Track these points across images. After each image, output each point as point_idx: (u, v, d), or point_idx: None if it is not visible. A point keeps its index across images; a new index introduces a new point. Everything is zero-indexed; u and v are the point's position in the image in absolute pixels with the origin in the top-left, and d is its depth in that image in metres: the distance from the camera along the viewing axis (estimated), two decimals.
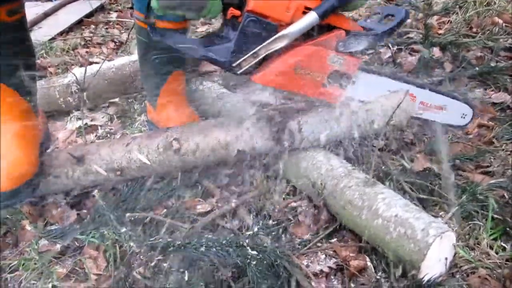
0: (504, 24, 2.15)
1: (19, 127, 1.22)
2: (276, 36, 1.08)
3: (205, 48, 1.12)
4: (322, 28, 1.12)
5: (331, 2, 1.07)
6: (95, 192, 1.23)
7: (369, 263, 1.14)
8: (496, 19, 2.20)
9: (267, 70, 1.12)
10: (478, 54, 1.99)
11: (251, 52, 1.09)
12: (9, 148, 1.19)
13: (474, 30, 2.17)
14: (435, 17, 2.29)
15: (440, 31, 2.22)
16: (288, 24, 1.08)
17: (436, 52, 1.98)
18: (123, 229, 1.15)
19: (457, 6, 2.31)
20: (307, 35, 1.11)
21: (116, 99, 1.92)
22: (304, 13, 1.08)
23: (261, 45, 1.09)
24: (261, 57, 1.10)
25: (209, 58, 1.12)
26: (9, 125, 1.21)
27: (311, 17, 1.07)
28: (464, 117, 1.42)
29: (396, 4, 2.45)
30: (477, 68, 1.88)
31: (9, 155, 1.19)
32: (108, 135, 1.74)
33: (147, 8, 1.11)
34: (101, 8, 3.21)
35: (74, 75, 1.67)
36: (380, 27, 1.17)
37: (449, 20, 2.31)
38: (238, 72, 1.12)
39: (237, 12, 1.09)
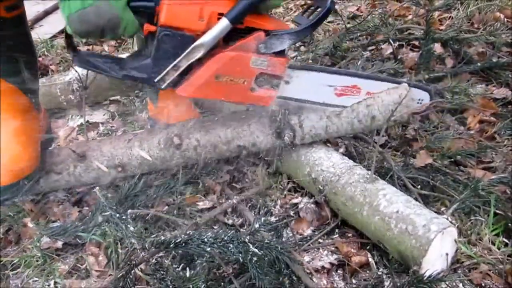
0: (506, 20, 2.13)
1: (19, 123, 1.22)
2: (192, 46, 1.06)
3: (126, 68, 1.11)
4: (243, 31, 1.10)
5: (240, 6, 1.04)
6: (97, 189, 1.23)
7: (370, 259, 1.14)
8: (498, 14, 2.18)
9: (189, 82, 1.11)
10: (479, 50, 1.98)
11: (171, 65, 1.08)
12: (9, 143, 1.20)
13: (476, 25, 2.16)
14: (437, 13, 2.28)
15: (442, 27, 2.21)
16: (204, 33, 1.06)
17: (438, 48, 1.97)
18: (125, 226, 1.14)
19: (459, 1, 2.30)
20: (229, 40, 1.10)
21: (117, 97, 1.92)
22: (219, 19, 1.06)
23: (180, 57, 1.07)
24: (182, 69, 1.09)
25: (131, 77, 1.11)
26: (9, 120, 1.21)
27: (223, 24, 1.05)
28: (420, 102, 1.38)
29: None
30: (478, 64, 1.87)
31: (9, 150, 1.19)
32: (110, 133, 1.74)
33: (65, 35, 1.09)
34: None
35: (77, 72, 1.67)
36: (307, 21, 1.13)
37: (450, 16, 2.30)
38: (162, 87, 1.11)
39: (153, 28, 1.07)
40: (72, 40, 1.11)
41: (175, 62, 1.08)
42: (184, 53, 1.07)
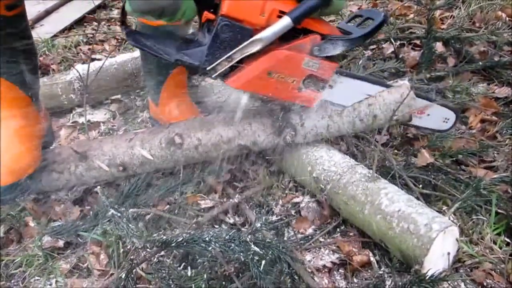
0: (507, 19, 2.13)
1: (19, 122, 1.22)
2: (250, 40, 1.07)
3: (179, 52, 1.11)
4: (298, 31, 1.11)
5: (305, 7, 1.05)
6: (98, 188, 1.23)
7: (372, 258, 1.13)
8: (499, 13, 2.18)
9: (241, 74, 1.12)
10: (481, 49, 1.98)
11: (226, 56, 1.09)
12: (10, 142, 1.20)
13: (477, 24, 2.16)
14: (438, 12, 2.28)
15: (443, 26, 2.21)
16: (263, 28, 1.07)
17: (439, 47, 1.97)
18: (126, 225, 1.14)
19: (460, 0, 2.30)
20: (283, 39, 1.10)
21: (118, 96, 1.93)
22: (279, 17, 1.07)
23: (235, 49, 1.08)
24: (235, 61, 1.10)
25: (183, 61, 1.11)
26: (9, 119, 1.21)
27: (285, 22, 1.05)
28: (446, 121, 1.42)
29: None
30: (480, 63, 1.87)
31: (9, 149, 1.19)
32: (111, 132, 1.74)
33: (122, 11, 1.10)
34: (103, 6, 3.20)
35: (77, 71, 1.67)
36: (358, 30, 1.15)
37: (452, 15, 2.29)
38: (213, 76, 1.12)
39: (212, 16, 1.08)
40: (126, 17, 1.12)
41: (230, 53, 1.08)
42: (241, 46, 1.07)
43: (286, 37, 1.10)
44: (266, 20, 1.06)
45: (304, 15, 1.06)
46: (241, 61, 1.11)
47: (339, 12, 1.15)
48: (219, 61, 1.09)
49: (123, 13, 1.12)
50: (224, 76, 1.13)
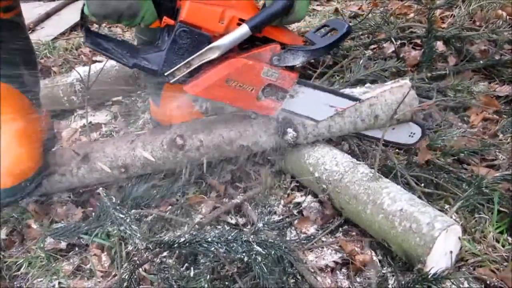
0: (508, 17, 2.13)
1: (19, 124, 1.23)
2: (208, 47, 1.06)
3: (138, 57, 1.11)
4: (260, 40, 1.10)
5: (264, 15, 1.04)
6: (100, 189, 1.23)
7: (374, 258, 1.13)
8: (500, 12, 2.18)
9: (199, 81, 1.11)
10: (482, 48, 1.98)
11: (184, 62, 1.08)
12: (10, 144, 1.20)
13: (478, 23, 2.16)
14: (438, 11, 2.28)
15: (444, 25, 2.20)
16: (222, 35, 1.06)
17: (440, 46, 1.97)
18: (128, 226, 1.15)
19: None
20: (244, 47, 1.10)
21: (120, 97, 1.93)
22: (239, 25, 1.06)
23: (193, 56, 1.08)
24: (194, 67, 1.09)
25: (141, 66, 1.10)
26: (9, 122, 1.21)
27: (243, 30, 1.05)
28: (412, 136, 1.41)
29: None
30: (481, 62, 1.87)
31: (9, 152, 1.19)
32: (112, 133, 1.75)
33: (81, 14, 1.08)
34: None
35: (79, 73, 1.67)
36: (321, 41, 1.13)
37: (452, 14, 2.30)
38: (171, 81, 1.12)
39: (171, 22, 1.07)
40: (87, 20, 1.10)
41: (188, 59, 1.08)
42: (199, 52, 1.07)
43: (247, 46, 1.10)
44: (225, 27, 1.06)
45: (263, 24, 1.05)
46: (200, 68, 1.10)
47: (300, 20, 1.13)
48: (177, 66, 1.09)
49: (82, 16, 1.09)
50: (183, 81, 1.12)
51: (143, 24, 1.05)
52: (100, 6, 1.00)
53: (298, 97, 1.25)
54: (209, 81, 1.11)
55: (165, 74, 1.10)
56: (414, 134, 1.39)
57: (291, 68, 1.14)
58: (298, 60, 1.11)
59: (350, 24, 1.12)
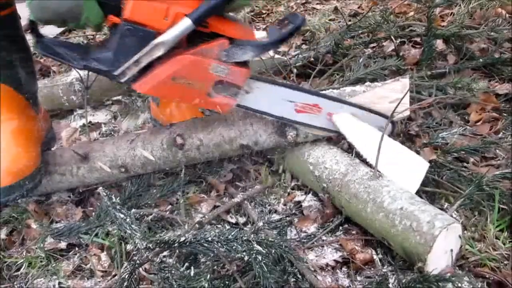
0: (507, 15, 2.13)
1: (16, 123, 1.23)
2: (152, 44, 1.04)
3: (88, 58, 1.09)
4: (209, 35, 1.08)
5: (205, 6, 1.01)
6: (100, 189, 1.23)
7: (375, 256, 1.13)
8: (499, 10, 2.18)
9: (146, 79, 1.09)
10: (481, 46, 1.98)
11: (132, 60, 1.06)
12: (7, 143, 1.20)
13: (477, 21, 2.16)
14: (438, 9, 2.28)
15: (443, 23, 2.20)
16: None
17: (440, 44, 1.97)
18: (128, 226, 1.14)
19: None
20: (192, 43, 1.08)
21: (119, 97, 1.93)
22: None
23: (140, 54, 1.05)
24: (143, 65, 1.07)
25: (91, 68, 1.09)
26: (5, 121, 1.21)
27: (185, 24, 1.02)
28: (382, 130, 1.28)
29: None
30: (481, 60, 1.86)
31: (7, 151, 1.19)
32: (112, 133, 1.74)
33: (29, 18, 1.07)
34: None
35: (78, 73, 1.67)
36: (273, 35, 1.10)
37: (452, 12, 2.29)
38: (122, 80, 1.09)
39: (117, 20, 1.04)
40: (36, 25, 1.08)
41: (135, 58, 1.06)
42: (145, 50, 1.05)
43: (196, 42, 1.08)
44: (170, 24, 1.03)
45: (205, 15, 1.02)
46: (150, 65, 1.08)
47: (247, 5, 1.09)
48: (126, 65, 1.07)
49: (31, 20, 1.07)
50: (133, 80, 1.10)
51: (90, 25, 1.03)
52: (41, 10, 0.99)
53: (254, 93, 1.22)
54: (156, 78, 1.08)
55: (115, 74, 1.08)
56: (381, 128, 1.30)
57: (243, 64, 1.12)
58: (247, 55, 1.08)
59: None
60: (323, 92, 1.36)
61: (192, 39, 1.07)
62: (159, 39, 1.03)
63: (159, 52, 1.05)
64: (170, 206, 1.34)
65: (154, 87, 1.10)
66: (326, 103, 1.27)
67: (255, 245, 1.02)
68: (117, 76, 1.08)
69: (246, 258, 1.02)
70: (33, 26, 1.08)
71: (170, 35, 1.03)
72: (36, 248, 1.23)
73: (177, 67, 1.07)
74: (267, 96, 1.23)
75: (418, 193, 1.19)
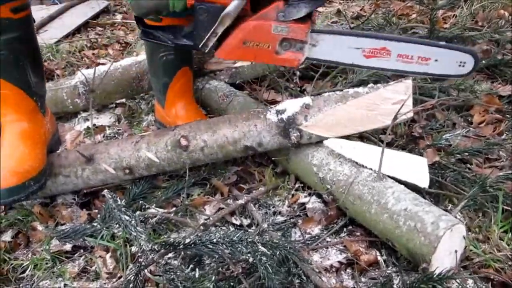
0: (510, 17, 2.14)
1: (24, 125, 1.23)
2: (221, 17, 1.16)
3: (178, 37, 1.28)
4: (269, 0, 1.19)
5: None
6: (105, 191, 1.23)
7: (379, 257, 1.14)
8: (502, 12, 2.19)
9: (223, 46, 1.23)
10: (484, 48, 1.98)
11: (209, 33, 1.20)
12: (14, 145, 1.21)
13: (480, 23, 2.16)
14: (440, 11, 2.28)
15: (446, 25, 2.21)
16: None
17: None
18: (133, 228, 1.15)
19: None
20: (256, 10, 1.20)
21: (123, 100, 1.93)
22: None
23: (214, 26, 1.18)
24: (219, 35, 1.20)
25: (181, 44, 1.28)
26: (14, 122, 1.22)
27: None
28: (463, 65, 1.28)
29: None
30: (483, 62, 1.87)
31: (13, 152, 1.20)
32: (116, 136, 1.75)
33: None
34: (106, 11, 3.22)
35: (83, 75, 1.68)
36: None
37: (454, 14, 2.30)
38: (206, 51, 1.24)
39: (192, 1, 1.18)
40: (141, 18, 1.28)
41: (211, 30, 1.19)
42: (217, 22, 1.17)
43: (260, 7, 1.19)
44: None
45: None
46: (226, 34, 1.21)
47: None
48: (206, 38, 1.21)
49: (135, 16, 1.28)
50: (215, 49, 1.25)
51: (177, 10, 1.18)
52: (138, 7, 1.22)
53: (320, 45, 1.28)
54: (230, 45, 1.22)
55: (200, 46, 1.23)
56: (464, 63, 1.28)
57: (302, 20, 1.20)
58: (301, 12, 1.17)
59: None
60: (389, 35, 1.38)
61: (255, 5, 1.19)
62: (225, 11, 1.16)
63: (228, 22, 1.18)
64: (174, 208, 1.34)
65: (231, 52, 1.25)
66: (394, 45, 1.29)
67: (260, 246, 1.02)
68: (201, 47, 1.23)
69: (251, 259, 1.02)
70: (137, 18, 1.29)
71: (232, 5, 1.15)
72: (42, 250, 1.23)
73: (243, 33, 1.21)
74: (333, 46, 1.29)
75: (422, 194, 1.20)
